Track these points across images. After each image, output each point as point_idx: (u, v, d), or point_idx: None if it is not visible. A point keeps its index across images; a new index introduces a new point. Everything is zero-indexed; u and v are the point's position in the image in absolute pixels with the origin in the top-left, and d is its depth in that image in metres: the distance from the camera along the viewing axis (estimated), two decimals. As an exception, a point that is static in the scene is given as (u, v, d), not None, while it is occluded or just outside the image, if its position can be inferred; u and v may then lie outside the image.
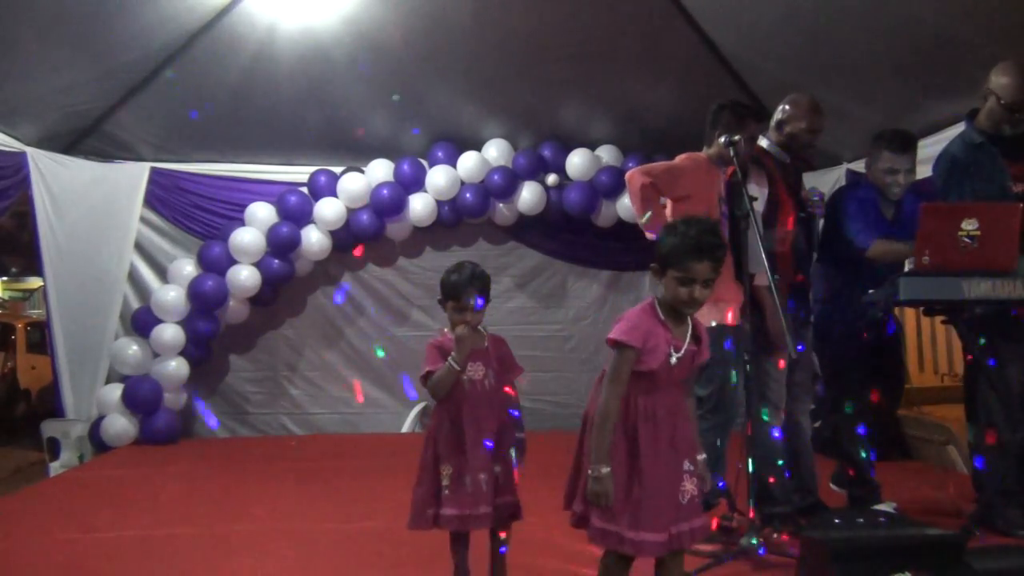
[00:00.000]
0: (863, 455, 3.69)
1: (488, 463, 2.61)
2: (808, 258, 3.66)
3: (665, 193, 3.34)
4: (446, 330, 2.71)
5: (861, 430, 3.67)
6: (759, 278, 3.25)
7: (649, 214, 3.27)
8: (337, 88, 5.52)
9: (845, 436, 3.68)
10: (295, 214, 6.08)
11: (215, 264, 5.95)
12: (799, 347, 3.28)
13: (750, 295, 3.22)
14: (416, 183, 6.21)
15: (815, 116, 3.54)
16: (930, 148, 4.28)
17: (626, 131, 6.23)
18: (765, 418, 3.34)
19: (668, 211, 3.37)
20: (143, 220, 6.12)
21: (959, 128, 3.65)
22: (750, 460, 3.07)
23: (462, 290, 2.64)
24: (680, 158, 3.47)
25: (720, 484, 3.36)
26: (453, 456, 2.62)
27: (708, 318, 3.19)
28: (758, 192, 3.37)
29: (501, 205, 6.34)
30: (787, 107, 3.57)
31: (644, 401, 2.20)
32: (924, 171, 3.84)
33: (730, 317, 3.25)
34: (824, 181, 5.68)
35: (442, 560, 2.76)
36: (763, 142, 3.58)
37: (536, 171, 6.27)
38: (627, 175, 3.42)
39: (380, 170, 6.22)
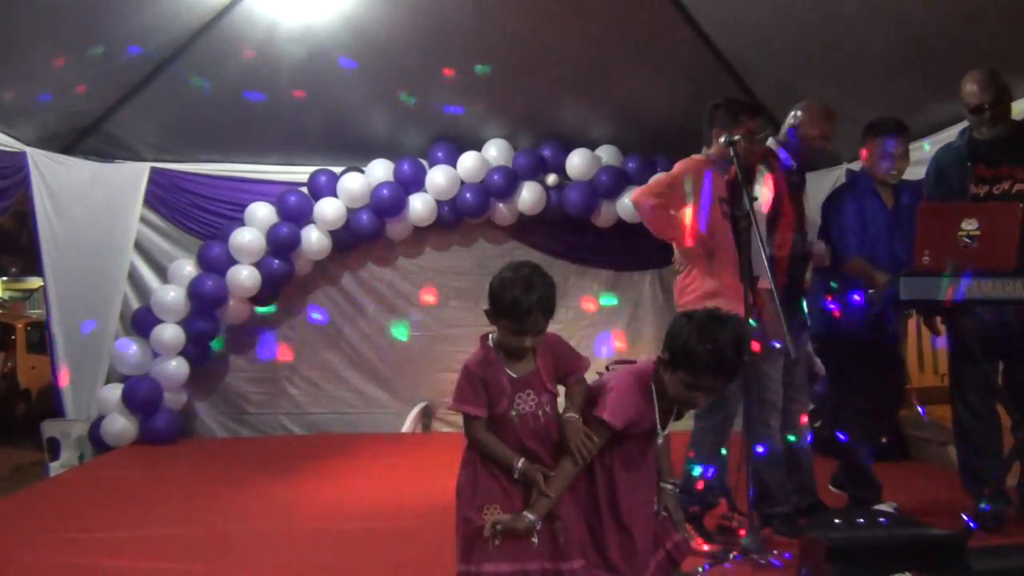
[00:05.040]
0: (864, 455, 3.70)
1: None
2: (804, 264, 3.68)
3: (671, 207, 3.35)
4: (490, 339, 2.17)
5: (862, 430, 3.68)
6: (762, 281, 3.26)
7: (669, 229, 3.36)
8: (337, 88, 5.52)
9: (847, 436, 3.69)
10: (295, 214, 6.08)
11: (215, 264, 5.95)
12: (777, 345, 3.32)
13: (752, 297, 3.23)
14: (416, 183, 6.21)
15: (827, 122, 3.57)
16: (932, 148, 4.30)
17: (626, 131, 6.23)
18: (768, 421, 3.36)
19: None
20: (143, 220, 6.13)
21: (960, 128, 3.71)
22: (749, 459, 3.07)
23: (526, 314, 2.06)
24: (678, 166, 3.48)
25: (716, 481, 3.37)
26: (502, 497, 2.10)
27: None
28: (765, 193, 3.39)
29: (501, 205, 6.34)
30: (799, 113, 3.59)
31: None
32: (921, 171, 3.88)
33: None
34: (824, 181, 5.67)
35: (442, 560, 2.75)
36: (772, 144, 3.61)
37: (536, 171, 6.26)
38: (633, 199, 3.47)
39: (380, 170, 6.22)
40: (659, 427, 2.18)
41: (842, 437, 3.70)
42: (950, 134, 4.45)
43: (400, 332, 6.55)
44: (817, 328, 3.77)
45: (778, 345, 3.25)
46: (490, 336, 2.17)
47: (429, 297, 6.65)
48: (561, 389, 2.25)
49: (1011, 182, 3.49)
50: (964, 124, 3.69)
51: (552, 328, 2.20)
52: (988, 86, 3.44)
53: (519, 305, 2.05)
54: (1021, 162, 3.49)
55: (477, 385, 2.11)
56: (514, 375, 2.13)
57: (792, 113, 3.62)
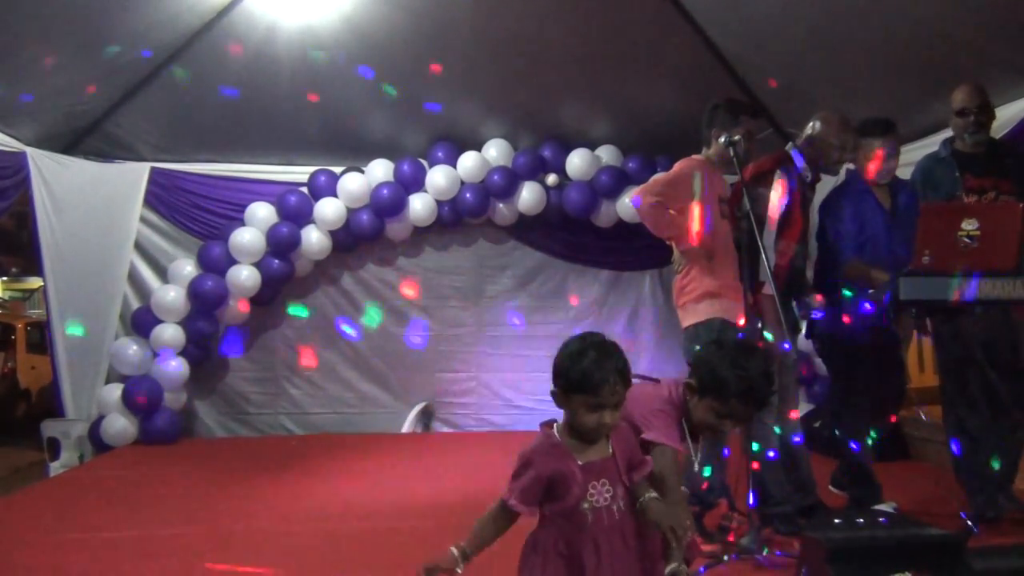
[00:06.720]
0: (864, 455, 3.70)
1: None
2: (803, 273, 3.68)
3: (671, 206, 3.36)
4: (554, 429, 1.89)
5: (861, 431, 3.68)
6: (765, 287, 3.26)
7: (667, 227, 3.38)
8: (337, 88, 5.52)
9: (848, 437, 3.69)
10: (295, 214, 6.08)
11: (215, 264, 5.95)
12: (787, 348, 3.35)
13: (752, 300, 3.24)
14: (416, 183, 6.21)
15: (845, 133, 3.58)
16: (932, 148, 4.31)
17: (626, 131, 6.23)
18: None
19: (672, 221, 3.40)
20: (143, 220, 6.13)
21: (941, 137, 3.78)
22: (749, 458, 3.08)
23: (603, 383, 1.80)
24: (678, 166, 3.49)
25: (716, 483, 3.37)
26: None
27: (707, 313, 3.22)
28: (777, 200, 3.39)
29: (501, 205, 6.33)
30: (817, 124, 3.60)
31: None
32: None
33: (734, 316, 3.27)
34: (823, 182, 5.68)
35: (442, 560, 2.75)
36: (792, 152, 3.61)
37: (536, 171, 6.26)
38: (631, 198, 3.47)
39: (380, 170, 6.22)
40: (692, 453, 2.17)
41: (842, 437, 3.71)
42: (949, 134, 4.46)
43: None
44: (819, 330, 3.77)
45: (786, 346, 3.27)
46: (554, 424, 1.91)
47: (430, 297, 6.66)
48: None
49: (995, 193, 3.55)
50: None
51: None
52: (975, 94, 3.56)
53: (592, 375, 1.80)
54: (1004, 174, 3.56)
55: (532, 482, 1.82)
56: (585, 462, 1.85)
57: (810, 124, 3.63)
